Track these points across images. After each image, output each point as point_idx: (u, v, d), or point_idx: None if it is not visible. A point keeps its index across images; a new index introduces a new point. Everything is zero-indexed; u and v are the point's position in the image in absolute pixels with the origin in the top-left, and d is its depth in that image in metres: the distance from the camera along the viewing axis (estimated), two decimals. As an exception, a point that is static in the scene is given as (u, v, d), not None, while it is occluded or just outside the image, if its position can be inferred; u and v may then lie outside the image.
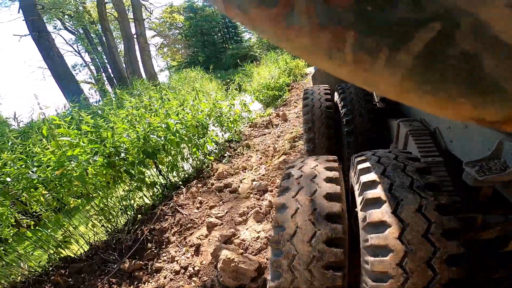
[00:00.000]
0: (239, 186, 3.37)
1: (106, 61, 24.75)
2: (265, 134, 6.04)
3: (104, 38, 19.69)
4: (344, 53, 0.34)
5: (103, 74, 27.65)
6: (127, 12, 22.45)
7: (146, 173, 4.02)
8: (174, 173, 4.35)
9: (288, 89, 10.54)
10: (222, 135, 5.71)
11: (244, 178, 3.52)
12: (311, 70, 12.19)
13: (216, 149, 5.24)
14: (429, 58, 0.31)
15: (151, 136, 3.40)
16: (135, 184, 3.68)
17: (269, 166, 3.82)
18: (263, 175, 3.40)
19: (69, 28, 31.89)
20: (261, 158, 4.17)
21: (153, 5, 29.79)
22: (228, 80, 13.72)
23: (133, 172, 3.37)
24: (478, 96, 0.32)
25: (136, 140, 3.37)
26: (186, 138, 3.96)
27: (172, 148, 3.82)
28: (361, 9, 0.31)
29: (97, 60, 28.01)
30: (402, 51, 0.31)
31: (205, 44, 37.23)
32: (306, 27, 0.35)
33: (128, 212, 3.68)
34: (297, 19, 0.35)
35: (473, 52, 0.29)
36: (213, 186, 3.46)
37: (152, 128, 3.50)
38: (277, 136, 5.49)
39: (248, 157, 4.63)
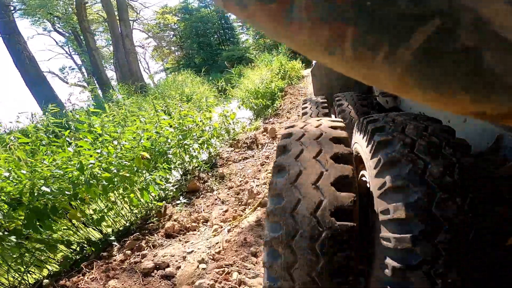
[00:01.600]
0: (178, 268, 2.09)
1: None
2: (247, 158, 4.75)
3: (84, 40, 18.46)
4: (344, 48, 0.34)
5: (93, 77, 26.48)
6: (116, 13, 21.25)
7: (61, 227, 2.78)
8: (112, 221, 3.11)
9: (281, 95, 9.22)
10: (189, 161, 4.43)
11: (192, 252, 2.24)
12: (308, 72, 10.90)
13: (177, 183, 3.96)
14: (429, 53, 0.31)
15: (43, 188, 2.14)
16: (34, 245, 2.44)
17: (236, 225, 2.55)
18: (218, 252, 2.12)
19: (58, 30, 30.86)
20: (227, 210, 2.88)
21: (142, 5, 28.63)
22: (219, 84, 12.39)
23: (13, 239, 2.12)
24: (479, 91, 0.32)
25: (17, 193, 2.12)
26: (116, 180, 2.70)
27: (91, 199, 2.56)
28: (361, 4, 0.31)
29: (85, 62, 26.77)
30: (402, 47, 0.31)
31: (201, 46, 35.88)
32: (306, 23, 0.34)
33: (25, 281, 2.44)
34: (296, 15, 0.34)
35: (474, 47, 0.29)
36: (142, 263, 2.19)
37: (50, 173, 2.25)
38: (261, 164, 4.20)
39: (215, 199, 3.35)
